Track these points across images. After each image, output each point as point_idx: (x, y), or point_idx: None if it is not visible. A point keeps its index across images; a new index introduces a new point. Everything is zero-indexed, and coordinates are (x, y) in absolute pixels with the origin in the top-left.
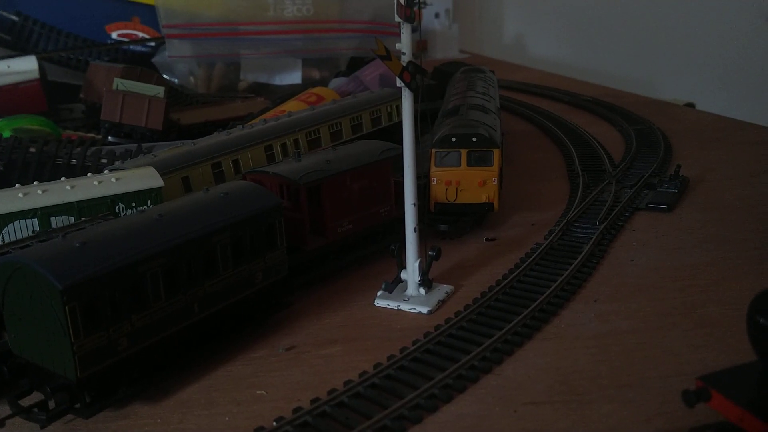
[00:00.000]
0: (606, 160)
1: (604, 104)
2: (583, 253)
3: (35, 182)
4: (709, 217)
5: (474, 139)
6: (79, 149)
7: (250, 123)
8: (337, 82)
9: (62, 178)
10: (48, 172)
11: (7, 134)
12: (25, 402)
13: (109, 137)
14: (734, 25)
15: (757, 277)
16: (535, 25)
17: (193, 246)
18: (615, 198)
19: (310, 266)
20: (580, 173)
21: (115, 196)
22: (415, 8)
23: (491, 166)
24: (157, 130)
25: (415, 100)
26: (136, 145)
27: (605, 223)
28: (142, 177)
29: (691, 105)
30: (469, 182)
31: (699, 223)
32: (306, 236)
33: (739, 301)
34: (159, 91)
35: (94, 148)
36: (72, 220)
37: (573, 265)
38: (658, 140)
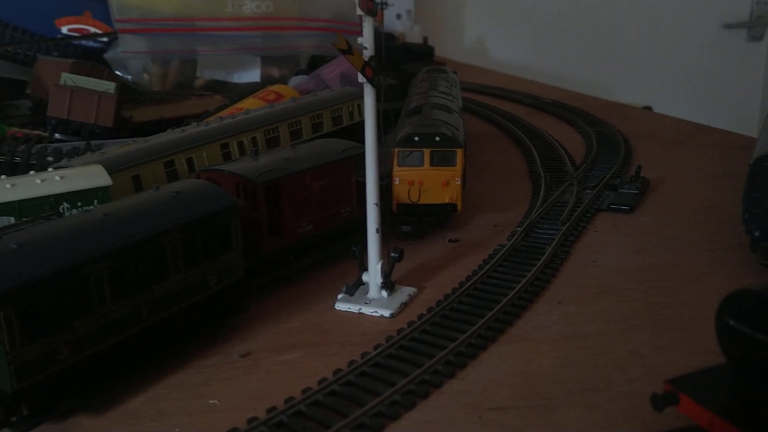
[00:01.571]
0: (567, 161)
1: (564, 107)
2: (546, 254)
3: None
4: (670, 218)
5: (437, 138)
6: (23, 147)
7: (206, 120)
8: (297, 80)
9: (1, 177)
10: None
11: None
12: None
13: (56, 134)
14: (692, 33)
15: (720, 278)
16: (497, 28)
17: (141, 247)
18: (577, 199)
19: (268, 269)
20: (542, 174)
21: (59, 195)
22: (378, 8)
23: (454, 166)
24: (107, 127)
25: (378, 99)
26: (84, 142)
27: (567, 224)
28: (88, 175)
29: (648, 108)
30: (432, 182)
31: (660, 224)
32: (263, 237)
33: (703, 302)
34: (110, 86)
35: (39, 146)
36: (12, 220)
37: (536, 267)
38: (619, 142)
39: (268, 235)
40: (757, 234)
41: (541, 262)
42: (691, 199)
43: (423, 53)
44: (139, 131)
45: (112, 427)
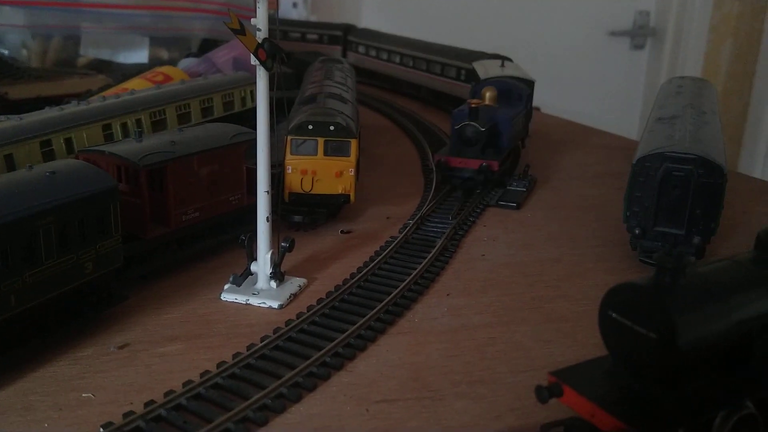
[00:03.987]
0: None
1: (456, 103)
2: (437, 247)
3: None
4: (555, 215)
5: (331, 127)
6: None
7: (87, 100)
8: (186, 62)
9: None
10: None
11: None
12: None
13: None
14: (579, 38)
15: (601, 273)
16: (392, 20)
17: (10, 230)
18: (466, 195)
19: (150, 257)
20: (434, 169)
21: None
22: None
23: (348, 156)
24: None
25: (272, 86)
26: None
27: (457, 219)
28: None
29: (536, 109)
30: (325, 172)
31: (545, 220)
32: (146, 224)
33: (585, 296)
34: None
35: None
36: None
37: (426, 259)
38: None
39: (151, 222)
40: (637, 231)
41: (431, 255)
42: (575, 197)
43: None
44: (15, 109)
45: None
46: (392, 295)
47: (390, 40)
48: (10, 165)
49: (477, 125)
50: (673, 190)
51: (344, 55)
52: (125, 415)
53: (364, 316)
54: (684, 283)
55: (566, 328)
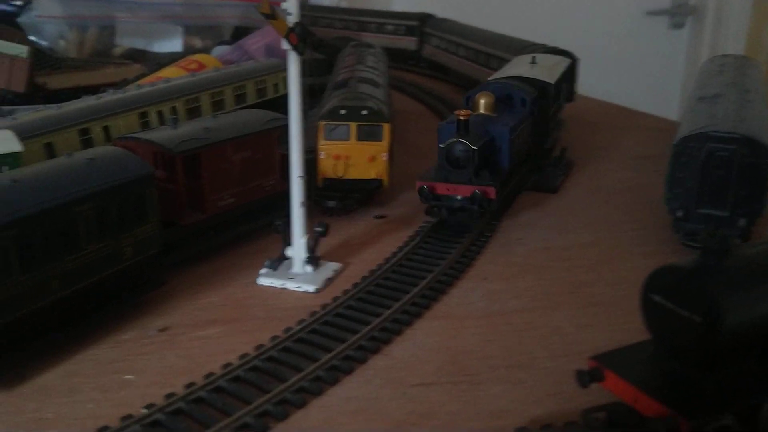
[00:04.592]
0: None
1: None
2: (473, 232)
3: None
4: (593, 199)
5: (364, 112)
6: None
7: (123, 89)
8: (219, 50)
9: None
10: None
11: None
12: None
13: None
14: (616, 19)
15: (639, 257)
16: (430, 4)
17: (51, 216)
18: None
19: (187, 242)
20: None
21: None
22: None
23: (381, 141)
24: (19, 92)
25: (303, 71)
26: None
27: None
28: None
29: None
30: (358, 157)
31: (583, 204)
32: (182, 210)
33: (623, 280)
34: (22, 50)
35: None
36: None
37: (462, 244)
38: None
39: (187, 208)
40: (679, 214)
41: (467, 239)
42: (613, 180)
43: None
44: (54, 99)
45: (23, 403)
46: (427, 279)
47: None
48: (50, 153)
49: (467, 142)
50: (717, 170)
51: (421, 49)
52: (167, 396)
53: (399, 300)
54: (728, 265)
55: (605, 312)
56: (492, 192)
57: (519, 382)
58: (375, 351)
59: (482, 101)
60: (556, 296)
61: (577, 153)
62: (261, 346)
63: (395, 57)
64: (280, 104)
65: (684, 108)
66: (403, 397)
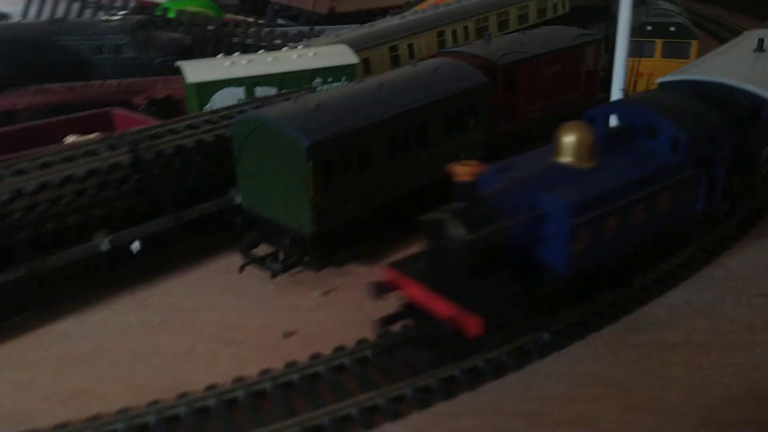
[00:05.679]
0: None
1: None
2: None
3: (236, 53)
4: None
5: (672, 28)
6: (254, 29)
7: (413, 9)
8: None
9: (260, 51)
10: (225, 50)
11: (171, 15)
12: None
13: (278, 20)
14: None
15: None
16: None
17: (411, 117)
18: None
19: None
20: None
21: (314, 70)
22: None
23: (688, 59)
24: (322, 14)
25: None
26: (307, 28)
27: None
28: (337, 54)
29: None
30: (662, 75)
31: None
32: (499, 119)
33: None
34: None
35: (267, 29)
36: (274, 90)
37: None
38: None
39: (502, 118)
40: None
41: None
42: None
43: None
44: (340, 21)
45: None
46: None
47: None
48: (367, 67)
49: (460, 226)
50: None
51: None
52: None
53: None
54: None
55: None
56: (475, 324)
57: None
58: (707, 262)
59: (566, 140)
60: None
61: None
62: None
63: None
64: (560, 24)
65: None
66: (748, 304)
